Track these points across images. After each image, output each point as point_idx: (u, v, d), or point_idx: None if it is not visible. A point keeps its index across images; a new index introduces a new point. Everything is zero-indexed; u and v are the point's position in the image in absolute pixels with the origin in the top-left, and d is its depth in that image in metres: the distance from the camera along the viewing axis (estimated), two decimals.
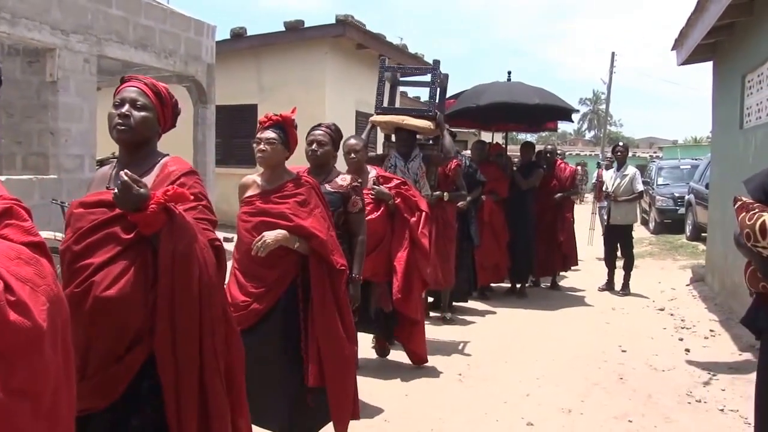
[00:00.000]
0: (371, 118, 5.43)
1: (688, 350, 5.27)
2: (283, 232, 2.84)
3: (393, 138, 5.51)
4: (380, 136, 5.36)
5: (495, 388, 4.35)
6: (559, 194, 7.88)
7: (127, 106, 2.06)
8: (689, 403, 4.15)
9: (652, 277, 8.87)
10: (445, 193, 5.70)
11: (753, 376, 4.41)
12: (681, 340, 5.62)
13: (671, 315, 6.64)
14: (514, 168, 7.75)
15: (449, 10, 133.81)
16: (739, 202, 2.59)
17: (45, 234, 5.74)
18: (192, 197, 1.99)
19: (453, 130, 7.32)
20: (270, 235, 2.82)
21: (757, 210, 2.43)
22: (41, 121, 6.85)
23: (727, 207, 6.98)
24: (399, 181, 4.51)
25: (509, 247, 7.25)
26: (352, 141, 4.21)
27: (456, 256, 6.13)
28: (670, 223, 13.62)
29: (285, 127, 2.96)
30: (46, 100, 6.53)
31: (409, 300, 4.38)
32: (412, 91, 14.13)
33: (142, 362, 1.89)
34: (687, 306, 6.99)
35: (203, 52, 8.21)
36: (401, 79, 6.25)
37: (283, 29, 10.26)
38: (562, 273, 8.50)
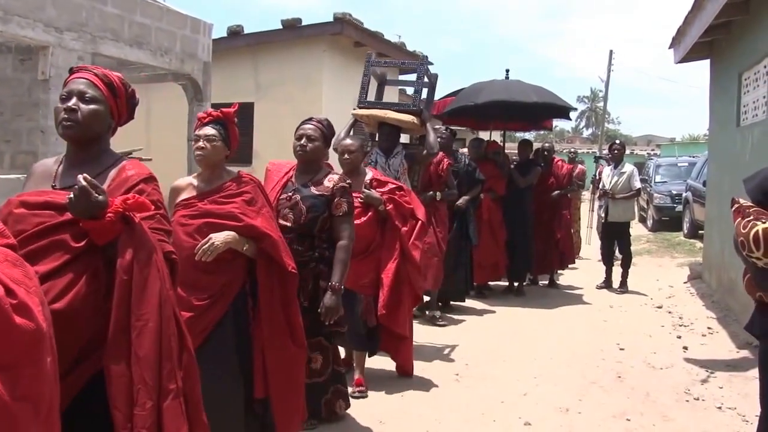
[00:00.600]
0: (352, 111, 5.21)
1: (686, 348, 5.27)
2: (232, 233, 2.61)
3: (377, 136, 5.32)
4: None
5: (492, 387, 4.33)
6: (556, 192, 7.88)
7: (74, 100, 1.89)
8: (687, 401, 4.14)
9: (650, 274, 8.88)
10: (438, 193, 5.64)
11: (751, 373, 4.46)
12: (679, 337, 5.62)
13: (669, 313, 6.64)
14: (512, 166, 7.72)
15: (448, 8, 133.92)
16: (736, 205, 2.48)
17: None
18: (152, 206, 1.85)
19: (453, 128, 7.31)
20: (218, 237, 2.57)
21: (752, 216, 2.32)
22: (32, 120, 6.80)
23: (725, 204, 6.98)
24: (394, 186, 4.21)
25: (507, 245, 7.24)
26: (348, 141, 4.09)
27: (453, 255, 6.10)
28: (667, 221, 13.66)
29: (226, 123, 2.78)
30: (38, 98, 6.47)
31: (397, 315, 4.13)
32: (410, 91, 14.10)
33: (84, 382, 1.74)
34: (685, 303, 7.00)
35: (199, 50, 8.16)
36: (401, 77, 6.27)
37: (281, 27, 10.22)
38: (559, 271, 8.50)
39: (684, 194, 12.57)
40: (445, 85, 50.24)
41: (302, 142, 3.27)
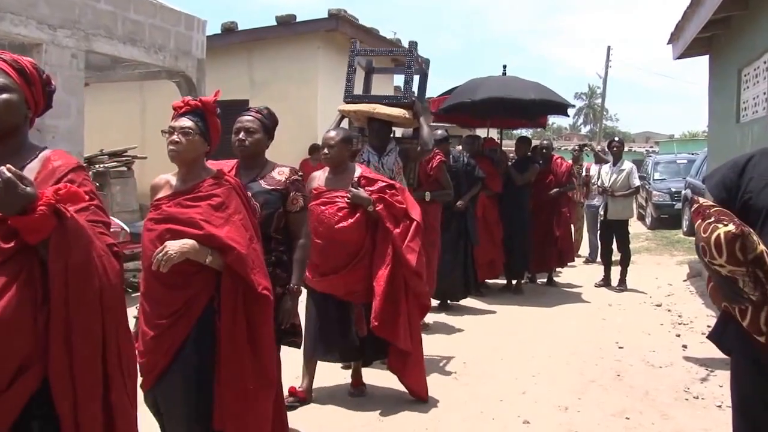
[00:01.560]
0: (339, 107, 4.83)
1: (685, 346, 5.26)
2: (191, 242, 2.29)
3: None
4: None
5: (491, 385, 4.32)
6: (555, 190, 7.85)
7: None
8: (686, 399, 4.12)
9: (649, 272, 8.84)
10: (427, 193, 5.40)
11: None
12: (678, 336, 5.61)
13: (668, 311, 6.61)
14: (510, 163, 7.67)
15: (445, 5, 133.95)
16: (695, 205, 2.18)
17: None
18: (86, 197, 1.70)
19: (445, 125, 7.26)
20: (174, 246, 2.26)
21: (713, 218, 2.04)
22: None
23: None
24: (384, 184, 3.84)
25: (505, 243, 7.21)
26: (329, 134, 3.77)
27: (451, 255, 6.04)
28: (666, 219, 13.63)
29: (205, 114, 2.46)
30: None
31: (395, 328, 3.74)
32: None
33: (31, 393, 1.60)
34: (684, 302, 6.97)
35: (194, 47, 8.13)
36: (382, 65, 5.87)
37: (275, 24, 10.19)
38: (558, 269, 8.46)
39: (683, 192, 12.54)
40: (442, 83, 50.36)
41: (241, 136, 2.97)
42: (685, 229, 12.29)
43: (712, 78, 8.22)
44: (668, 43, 8.47)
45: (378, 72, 5.39)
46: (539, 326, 5.99)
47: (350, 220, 3.65)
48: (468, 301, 6.79)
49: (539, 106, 7.50)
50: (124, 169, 9.69)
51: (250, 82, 10.42)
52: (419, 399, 3.93)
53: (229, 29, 10.39)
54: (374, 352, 3.93)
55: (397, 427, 3.62)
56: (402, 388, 4.18)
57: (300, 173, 3.10)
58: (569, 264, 8.65)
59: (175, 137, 2.41)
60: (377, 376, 4.33)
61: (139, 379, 2.13)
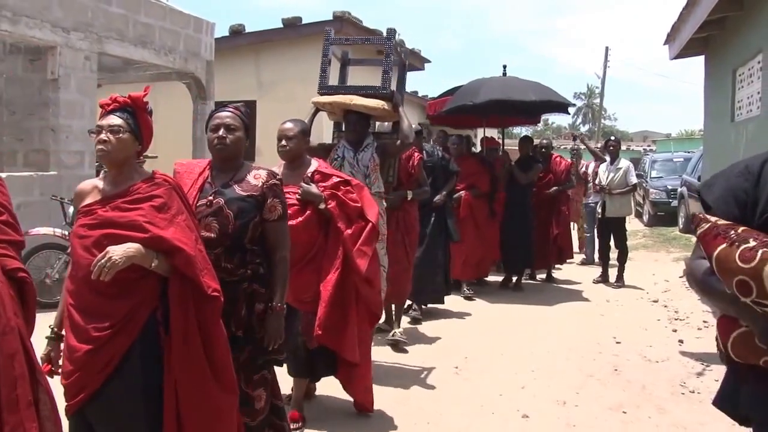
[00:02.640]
0: (313, 99, 4.45)
1: (681, 341, 5.32)
2: (136, 245, 2.09)
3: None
4: (329, 125, 4.65)
5: (491, 380, 4.38)
6: (554, 188, 7.95)
7: None
8: (683, 393, 4.18)
9: (646, 269, 8.92)
10: (409, 192, 5.11)
11: None
12: (675, 331, 5.67)
13: (665, 306, 6.68)
14: (512, 163, 7.74)
15: (446, 6, 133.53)
16: (705, 225, 1.64)
17: (44, 230, 5.81)
18: None
19: (444, 127, 7.30)
20: (117, 251, 2.04)
21: (753, 242, 1.49)
22: (42, 119, 6.89)
23: None
24: (339, 180, 3.47)
25: (507, 241, 7.28)
26: (287, 125, 3.44)
27: (430, 254, 5.81)
28: (663, 216, 13.73)
29: (135, 111, 2.26)
30: (47, 97, 6.58)
31: (342, 337, 3.38)
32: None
33: None
34: (680, 297, 7.03)
35: (202, 49, 8.25)
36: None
37: (281, 26, 10.32)
38: (557, 266, 8.59)
39: (679, 189, 12.64)
40: (444, 83, 50.26)
41: (221, 133, 2.64)
42: (681, 225, 12.42)
43: (707, 78, 8.34)
44: (665, 44, 8.58)
45: (354, 64, 4.95)
46: (539, 322, 6.06)
47: (299, 219, 3.28)
48: (466, 302, 6.82)
49: (540, 106, 7.59)
50: None
51: (257, 83, 10.54)
52: (364, 412, 3.69)
53: (236, 31, 10.51)
54: (325, 367, 3.54)
55: (398, 420, 3.67)
56: (403, 380, 4.28)
57: (279, 177, 2.75)
58: (568, 261, 8.77)
59: (103, 136, 2.19)
60: (376, 371, 4.40)
61: (62, 405, 2.01)
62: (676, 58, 8.60)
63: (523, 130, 13.31)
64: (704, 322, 5.88)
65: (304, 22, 10.11)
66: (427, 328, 5.73)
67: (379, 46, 4.82)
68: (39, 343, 2.03)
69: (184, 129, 8.36)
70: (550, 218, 8.04)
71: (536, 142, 8.55)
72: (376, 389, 4.05)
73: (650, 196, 14.23)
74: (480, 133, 8.87)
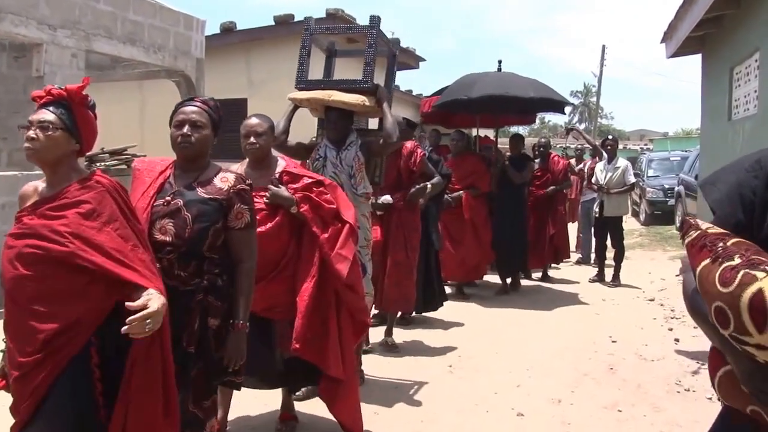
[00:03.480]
0: (289, 95, 4.14)
1: (677, 340, 5.31)
2: (162, 299, 1.90)
3: None
4: (313, 122, 4.39)
5: (485, 378, 4.36)
6: (551, 188, 7.89)
7: None
8: (678, 392, 4.17)
9: (643, 268, 8.92)
10: (428, 184, 4.92)
11: None
12: (670, 330, 5.66)
13: (661, 305, 6.67)
14: (506, 162, 7.49)
15: (441, 5, 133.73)
16: (694, 233, 1.37)
17: None
18: None
19: (438, 127, 7.12)
20: (156, 302, 1.87)
21: (737, 260, 1.20)
22: (27, 117, 6.80)
23: None
24: (311, 181, 3.18)
25: (500, 242, 7.04)
26: (255, 120, 3.16)
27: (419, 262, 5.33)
28: (660, 215, 13.74)
29: (72, 106, 2.03)
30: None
31: (324, 351, 3.08)
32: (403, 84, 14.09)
33: None
34: (677, 296, 6.95)
35: (193, 46, 8.17)
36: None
37: (273, 24, 10.23)
38: (554, 265, 8.55)
39: (676, 188, 12.66)
40: (440, 82, 50.31)
41: (185, 130, 2.40)
42: (678, 224, 12.40)
43: (704, 76, 8.31)
44: (662, 42, 8.56)
45: (341, 56, 4.62)
46: (534, 321, 6.04)
47: (269, 225, 3.02)
48: (459, 303, 6.75)
49: (537, 104, 7.37)
50: (124, 167, 9.76)
51: (248, 82, 10.46)
52: None
53: (227, 29, 10.43)
54: (303, 377, 3.28)
55: (392, 418, 3.66)
56: (397, 379, 4.25)
57: (249, 182, 2.53)
58: (565, 260, 8.73)
59: (31, 132, 1.98)
60: (369, 368, 4.38)
61: None
62: (673, 56, 8.58)
63: (519, 129, 13.19)
64: None
65: (296, 19, 10.02)
66: (420, 326, 5.68)
67: (362, 35, 4.31)
68: None
69: None
70: (547, 218, 7.97)
71: (534, 140, 8.50)
72: (369, 387, 4.05)
73: (647, 195, 14.24)
74: (473, 132, 8.55)
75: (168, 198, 2.39)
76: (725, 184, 1.43)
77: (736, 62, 6.52)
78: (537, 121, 13.85)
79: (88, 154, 2.53)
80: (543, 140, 8.55)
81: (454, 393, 4.08)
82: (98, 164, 9.29)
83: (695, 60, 8.74)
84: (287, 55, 10.12)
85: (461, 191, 6.65)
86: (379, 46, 4.13)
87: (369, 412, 3.69)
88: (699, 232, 1.35)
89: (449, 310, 6.30)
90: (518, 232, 7.18)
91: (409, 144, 5.01)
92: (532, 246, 7.71)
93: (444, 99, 7.29)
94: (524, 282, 7.94)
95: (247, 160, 3.26)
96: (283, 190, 3.09)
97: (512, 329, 5.72)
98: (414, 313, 5.71)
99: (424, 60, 13.25)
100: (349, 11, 10.03)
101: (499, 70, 7.61)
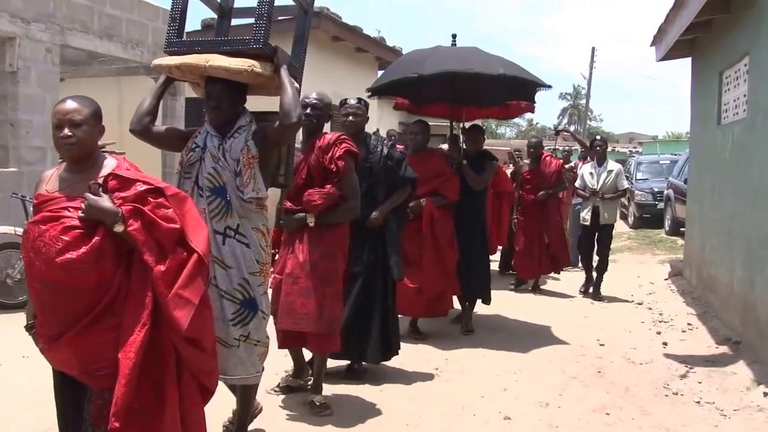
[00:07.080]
0: (154, 62, 3.25)
1: (665, 344, 5.29)
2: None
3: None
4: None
5: (472, 382, 4.32)
6: (542, 192, 7.23)
7: None
8: (666, 395, 4.16)
9: (631, 271, 8.90)
10: (310, 217, 3.55)
11: (729, 368, 4.47)
12: (659, 333, 5.65)
13: (649, 309, 6.66)
14: (464, 161, 5.56)
15: (429, 4, 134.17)
16: None
17: (4, 228, 5.58)
18: None
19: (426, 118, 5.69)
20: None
21: None
22: (1, 113, 6.64)
23: (705, 201, 7.01)
24: (146, 188, 2.24)
25: (459, 264, 5.32)
26: (71, 104, 2.29)
27: (365, 297, 4.13)
28: (649, 218, 13.75)
29: None
30: (6, 90, 6.37)
31: (157, 425, 2.18)
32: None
33: None
34: (665, 300, 7.03)
35: None
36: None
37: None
38: (554, 275, 7.93)
39: (665, 192, 12.67)
40: None
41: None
42: (667, 228, 12.40)
43: (694, 80, 8.28)
44: (651, 45, 8.53)
45: (238, 15, 3.46)
46: (521, 324, 5.99)
47: (82, 249, 2.11)
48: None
49: (507, 89, 5.60)
50: None
51: None
52: None
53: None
54: None
55: (378, 423, 3.61)
56: (382, 383, 4.19)
57: (98, 182, 2.22)
58: (565, 268, 7.98)
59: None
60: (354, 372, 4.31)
61: None
62: (662, 59, 8.54)
63: (507, 131, 13.03)
64: (688, 324, 5.85)
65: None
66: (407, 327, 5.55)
67: None
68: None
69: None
70: (539, 225, 7.26)
71: (524, 142, 8.17)
72: (354, 392, 3.99)
73: (636, 198, 14.24)
74: (460, 125, 6.60)
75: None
76: None
77: (726, 66, 6.50)
78: (524, 123, 13.61)
79: None
80: (534, 140, 7.85)
81: (441, 397, 4.03)
82: None
83: (685, 63, 8.72)
84: None
85: (422, 199, 4.99)
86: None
87: (354, 416, 3.66)
88: None
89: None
90: (477, 253, 5.56)
91: (329, 135, 3.72)
92: (524, 256, 7.23)
93: (385, 79, 5.62)
94: (512, 291, 7.51)
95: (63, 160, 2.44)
96: (104, 200, 2.17)
97: (499, 333, 5.66)
98: (368, 363, 4.34)
99: None
100: (335, 9, 9.95)
101: (454, 44, 5.78)
